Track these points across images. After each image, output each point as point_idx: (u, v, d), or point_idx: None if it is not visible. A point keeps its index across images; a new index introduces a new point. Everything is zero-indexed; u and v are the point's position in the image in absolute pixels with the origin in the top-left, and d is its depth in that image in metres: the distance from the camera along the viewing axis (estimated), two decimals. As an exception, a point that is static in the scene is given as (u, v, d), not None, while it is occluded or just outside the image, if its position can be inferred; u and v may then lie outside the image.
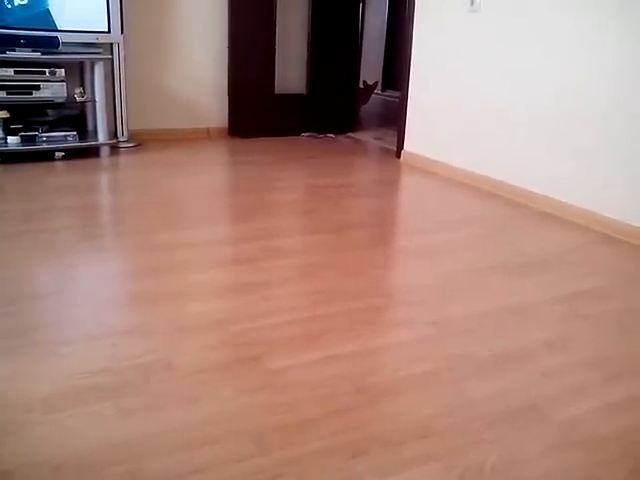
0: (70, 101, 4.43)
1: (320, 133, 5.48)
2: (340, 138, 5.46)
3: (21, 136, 4.21)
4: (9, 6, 4.05)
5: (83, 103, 4.59)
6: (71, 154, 4.37)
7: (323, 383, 1.83)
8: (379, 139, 5.37)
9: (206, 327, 2.13)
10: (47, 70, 4.18)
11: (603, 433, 1.70)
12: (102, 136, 4.52)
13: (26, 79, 4.12)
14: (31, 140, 4.24)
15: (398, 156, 4.87)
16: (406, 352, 2.07)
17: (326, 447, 1.55)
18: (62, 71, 4.25)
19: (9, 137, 4.16)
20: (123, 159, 4.57)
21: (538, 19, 3.68)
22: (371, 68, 8.36)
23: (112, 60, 4.55)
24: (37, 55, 4.09)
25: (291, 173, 4.42)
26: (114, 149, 4.70)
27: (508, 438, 1.65)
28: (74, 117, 4.65)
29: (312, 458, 1.51)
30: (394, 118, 5.03)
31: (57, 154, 4.31)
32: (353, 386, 1.82)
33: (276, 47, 5.29)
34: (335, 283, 2.56)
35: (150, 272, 2.59)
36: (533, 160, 3.78)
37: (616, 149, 3.29)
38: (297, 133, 5.46)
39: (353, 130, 5.52)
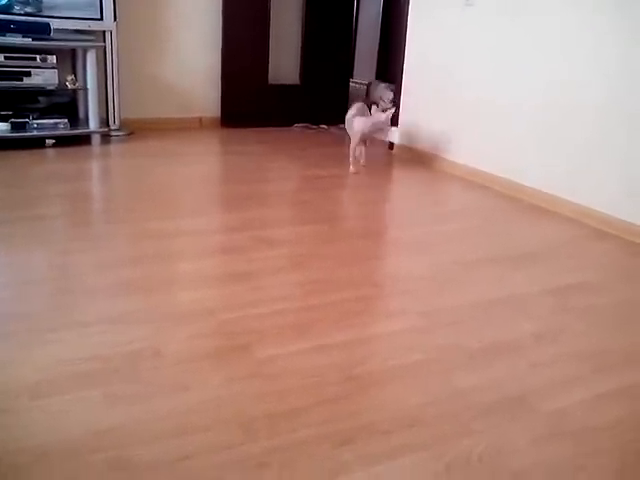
0: (62, 88, 4.40)
1: (313, 124, 5.46)
2: (333, 129, 5.44)
3: (11, 123, 4.17)
4: (0, -9, 4.01)
5: (75, 91, 4.56)
6: (62, 142, 4.34)
7: (312, 372, 1.82)
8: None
9: (196, 316, 2.12)
10: (38, 56, 4.14)
11: (591, 424, 1.70)
12: (94, 124, 4.48)
13: (16, 65, 4.08)
14: (21, 127, 4.21)
15: (391, 148, 4.86)
16: (396, 342, 2.07)
17: (314, 435, 1.55)
18: (53, 58, 4.21)
19: (-1, 123, 4.13)
20: (115, 148, 4.55)
21: (532, 14, 3.67)
22: (365, 60, 8.34)
23: (104, 48, 4.52)
24: (28, 41, 4.05)
25: (283, 164, 4.40)
26: (106, 137, 4.67)
27: (496, 428, 1.66)
28: (65, 104, 4.61)
29: (300, 446, 1.51)
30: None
31: (48, 141, 4.28)
32: (342, 375, 1.82)
33: (270, 37, 5.26)
34: (326, 273, 2.55)
35: (141, 260, 2.57)
36: (526, 154, 3.78)
37: (609, 144, 3.30)
38: (290, 124, 5.43)
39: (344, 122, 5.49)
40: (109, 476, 1.39)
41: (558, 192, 3.57)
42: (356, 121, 4.08)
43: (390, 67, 5.35)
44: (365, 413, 1.66)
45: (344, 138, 5.27)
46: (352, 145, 4.17)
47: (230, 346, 1.94)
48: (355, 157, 4.20)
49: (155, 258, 2.59)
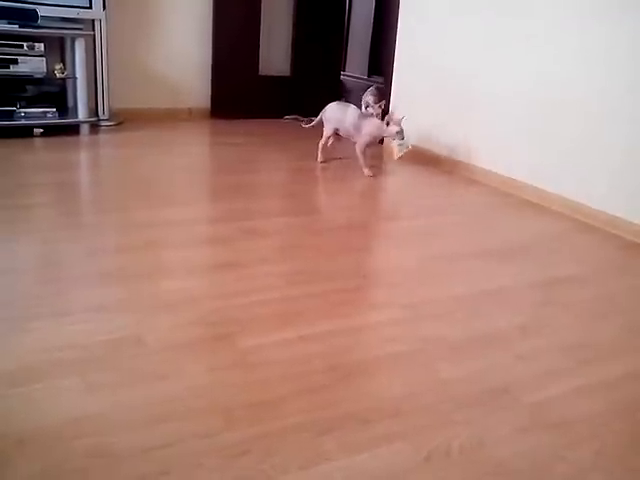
0: (50, 77, 4.36)
1: (303, 116, 5.44)
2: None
3: (-2, 111, 4.14)
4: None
5: (63, 80, 4.52)
6: (50, 131, 4.30)
7: (295, 362, 1.82)
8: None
9: (179, 305, 2.11)
10: (25, 44, 4.10)
11: (572, 416, 1.70)
12: (82, 114, 4.45)
13: (3, 52, 4.04)
14: (8, 115, 4.17)
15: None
16: (380, 333, 2.06)
17: (295, 424, 1.54)
18: (41, 45, 4.17)
19: (-15, 112, 4.09)
20: (103, 137, 4.52)
21: (522, 9, 3.66)
22: (358, 54, 8.32)
23: (93, 36, 4.48)
24: (14, 28, 4.01)
25: (272, 155, 4.39)
26: (94, 127, 4.64)
27: (478, 420, 1.65)
28: (54, 93, 4.57)
29: (280, 435, 1.50)
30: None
31: (36, 130, 4.25)
32: (325, 365, 1.81)
33: (261, 28, 5.24)
34: (312, 264, 2.55)
35: (126, 249, 2.56)
36: (515, 148, 3.78)
37: (598, 139, 3.30)
38: (280, 116, 5.41)
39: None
40: (88, 463, 1.38)
41: (547, 186, 3.57)
42: (367, 124, 3.88)
43: (382, 61, 5.33)
44: (347, 403, 1.65)
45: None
46: (359, 149, 3.95)
47: (213, 335, 1.93)
48: (365, 159, 3.97)
49: (140, 247, 2.57)
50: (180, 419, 1.54)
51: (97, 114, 4.67)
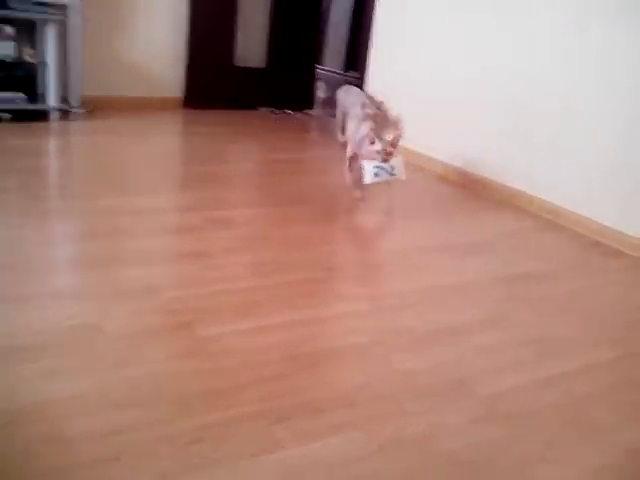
0: (20, 62, 4.29)
1: (278, 108, 5.43)
2: (298, 115, 5.42)
3: (-35, 94, 4.06)
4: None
5: (34, 65, 4.45)
6: (19, 117, 4.24)
7: (254, 351, 1.82)
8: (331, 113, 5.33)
9: (141, 293, 2.10)
10: (-6, 27, 4.04)
11: (527, 408, 1.73)
12: (53, 100, 4.39)
13: (-29, 34, 3.97)
14: (-24, 99, 4.10)
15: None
16: (341, 324, 2.08)
17: (249, 413, 1.55)
18: (11, 29, 4.10)
19: (-48, 95, 4.02)
20: (74, 125, 4.46)
21: (499, 6, 3.69)
22: (336, 48, 8.32)
23: (66, 22, 4.42)
24: (-16, 10, 3.94)
25: (245, 146, 4.37)
26: (65, 114, 4.57)
27: (432, 411, 1.67)
28: (24, 79, 4.49)
29: (234, 423, 1.51)
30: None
31: (3, 115, 4.18)
32: (283, 355, 1.82)
33: (237, 18, 5.20)
34: (277, 255, 2.55)
35: (91, 237, 2.54)
36: (486, 146, 3.81)
37: (565, 136, 3.34)
38: (254, 107, 5.39)
39: (311, 107, 5.48)
40: (40, 448, 1.37)
41: (516, 184, 3.60)
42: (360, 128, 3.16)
43: (359, 56, 5.33)
44: (303, 392, 1.66)
45: (308, 124, 5.27)
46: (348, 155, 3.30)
47: (173, 324, 1.93)
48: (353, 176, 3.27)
49: (106, 235, 2.55)
50: (136, 406, 1.54)
51: (68, 101, 4.61)
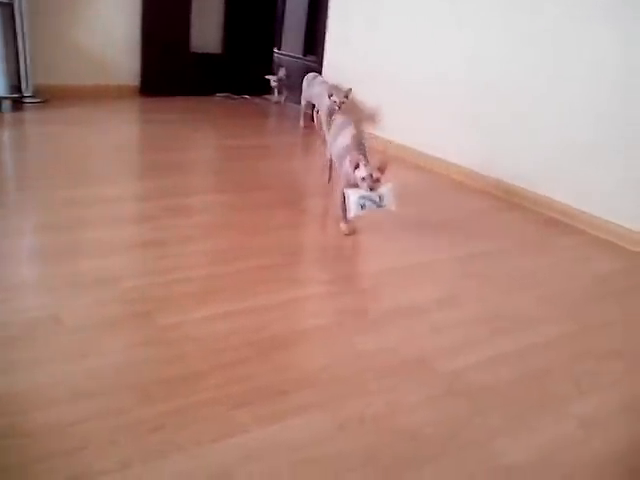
0: (-34, 49, 4.17)
1: (235, 94, 5.40)
2: (256, 100, 5.39)
3: None
4: None
5: (-18, 53, 4.33)
6: (-31, 107, 4.14)
7: (213, 338, 1.82)
8: (296, 103, 5.32)
9: (99, 283, 2.08)
10: None
11: (485, 384, 1.77)
12: (3, 89, 4.29)
13: None
14: None
15: (313, 119, 4.85)
16: (301, 308, 2.09)
17: (210, 399, 1.55)
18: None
19: None
20: (28, 115, 4.37)
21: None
22: (294, 33, 8.28)
23: (12, 6, 4.30)
24: None
25: (203, 133, 4.34)
26: (18, 104, 4.47)
27: (393, 389, 1.70)
28: (-28, 67, 4.38)
29: (195, 409, 1.51)
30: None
31: (-48, 106, 4.08)
32: (244, 340, 1.83)
33: (192, 3, 5.14)
34: (236, 242, 2.55)
35: (48, 228, 2.50)
36: (447, 130, 3.85)
37: (522, 118, 3.39)
38: (212, 93, 5.34)
39: (269, 92, 5.45)
40: (3, 444, 1.36)
41: (475, 166, 3.65)
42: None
43: (317, 41, 5.31)
44: (263, 376, 1.67)
45: (266, 109, 5.24)
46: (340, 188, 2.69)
47: (132, 313, 1.92)
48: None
49: (63, 226, 2.52)
50: (95, 396, 1.53)
51: (20, 90, 4.51)
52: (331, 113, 3.96)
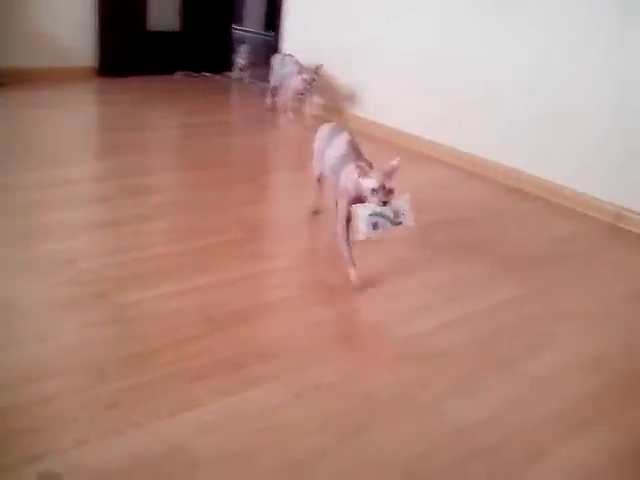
0: None
1: (195, 72, 5.34)
2: (216, 77, 5.34)
3: None
4: None
5: None
6: None
7: (171, 315, 1.83)
8: (257, 79, 5.28)
9: (55, 266, 2.07)
10: None
11: (437, 348, 1.81)
12: (-46, 73, 4.19)
13: None
14: None
15: (274, 95, 4.82)
16: (260, 282, 2.10)
17: (166, 374, 1.57)
18: None
19: None
20: (-18, 99, 4.28)
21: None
22: (255, 8, 8.20)
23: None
24: None
25: (163, 112, 4.29)
26: (-29, 88, 4.38)
27: (348, 357, 1.74)
28: None
29: (151, 385, 1.53)
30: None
31: None
32: (202, 316, 1.84)
33: (147, -19, 5.05)
34: (195, 220, 2.54)
35: (2, 212, 2.47)
36: (403, 100, 3.85)
37: (473, 89, 3.42)
38: (171, 72, 5.27)
39: (229, 69, 5.40)
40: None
41: (436, 138, 3.66)
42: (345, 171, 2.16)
43: (278, 15, 5.24)
44: (220, 350, 1.69)
45: (227, 86, 5.19)
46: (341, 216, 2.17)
47: (89, 294, 1.92)
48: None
49: (18, 210, 2.49)
50: (54, 376, 1.54)
51: (-27, 74, 4.41)
52: (301, 91, 3.93)
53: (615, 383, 1.76)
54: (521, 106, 3.22)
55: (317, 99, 4.32)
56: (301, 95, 4.01)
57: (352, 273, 2.08)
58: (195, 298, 1.94)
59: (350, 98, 4.20)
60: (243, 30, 7.85)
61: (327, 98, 4.36)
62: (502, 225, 2.79)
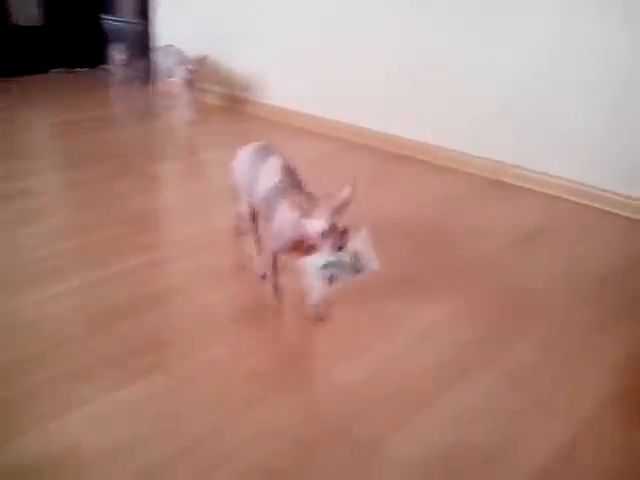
0: None
1: (70, 68, 5.15)
2: (93, 71, 5.17)
3: None
4: None
5: None
6: None
7: (52, 318, 1.81)
8: (137, 71, 5.13)
9: None
10: None
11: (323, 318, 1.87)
12: None
13: None
14: None
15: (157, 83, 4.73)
16: (144, 274, 2.09)
17: (52, 377, 1.56)
18: None
19: None
20: None
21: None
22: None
23: None
24: None
25: (39, 112, 4.12)
26: None
27: (233, 338, 1.78)
28: None
29: (37, 389, 1.52)
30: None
31: None
32: (85, 315, 1.84)
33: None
34: (78, 217, 2.51)
35: None
36: (285, 77, 3.88)
37: (352, 57, 3.50)
38: (45, 70, 5.06)
39: (105, 62, 5.23)
40: None
41: (315, 112, 3.72)
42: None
43: (150, 3, 5.10)
44: (105, 348, 1.69)
45: (103, 80, 5.03)
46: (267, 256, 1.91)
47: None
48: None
49: None
50: None
51: None
52: (186, 83, 3.84)
53: (494, 330, 1.87)
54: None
55: (217, 88, 4.26)
56: (186, 85, 3.91)
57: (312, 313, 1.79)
58: (77, 298, 1.92)
59: (247, 85, 4.17)
60: (116, 20, 7.59)
61: (226, 87, 4.31)
62: (383, 188, 2.89)
